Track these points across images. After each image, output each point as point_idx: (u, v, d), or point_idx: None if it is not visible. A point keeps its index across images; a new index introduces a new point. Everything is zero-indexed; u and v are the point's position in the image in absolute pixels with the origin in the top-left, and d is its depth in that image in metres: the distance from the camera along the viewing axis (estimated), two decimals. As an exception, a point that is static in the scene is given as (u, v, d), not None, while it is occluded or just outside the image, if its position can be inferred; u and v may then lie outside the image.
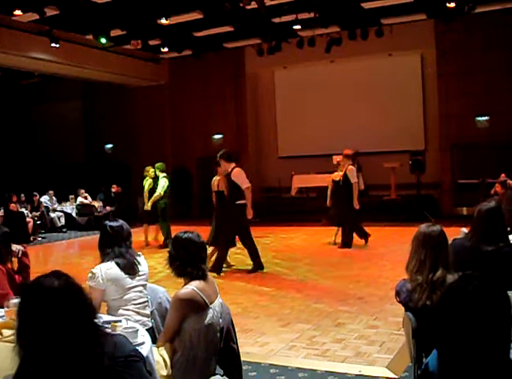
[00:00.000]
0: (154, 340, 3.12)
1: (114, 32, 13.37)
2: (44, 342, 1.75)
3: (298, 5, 12.19)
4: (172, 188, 11.51)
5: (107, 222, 3.73)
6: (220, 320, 3.02)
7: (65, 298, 1.79)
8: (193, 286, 2.94)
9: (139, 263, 3.67)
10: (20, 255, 4.24)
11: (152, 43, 14.68)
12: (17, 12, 11.59)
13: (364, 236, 10.41)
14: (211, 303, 2.97)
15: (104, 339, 1.86)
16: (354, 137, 15.20)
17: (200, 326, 2.89)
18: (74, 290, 1.83)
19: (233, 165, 8.38)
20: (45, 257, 11.80)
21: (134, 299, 3.57)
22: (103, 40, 13.70)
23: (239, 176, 8.30)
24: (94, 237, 11.56)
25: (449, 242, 3.28)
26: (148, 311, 3.64)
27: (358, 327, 5.46)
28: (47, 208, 15.41)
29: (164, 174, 11.23)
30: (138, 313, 3.56)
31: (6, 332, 2.99)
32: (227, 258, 8.72)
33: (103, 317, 3.17)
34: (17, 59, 13.87)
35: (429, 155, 14.80)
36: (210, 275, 3.18)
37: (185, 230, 3.16)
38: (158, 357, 2.92)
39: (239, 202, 8.29)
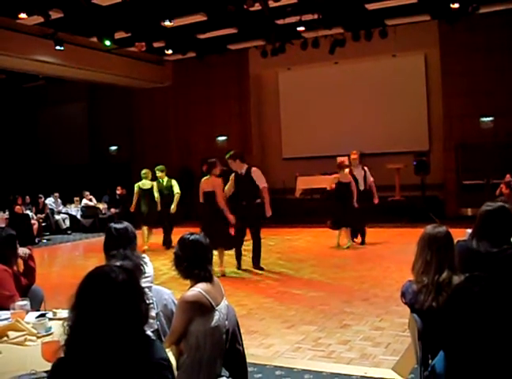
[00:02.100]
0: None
1: (119, 35, 13.41)
2: (89, 324, 1.80)
3: (301, 7, 12.19)
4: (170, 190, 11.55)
5: (112, 224, 3.73)
6: (226, 322, 3.02)
7: (121, 292, 1.85)
8: (200, 288, 2.94)
9: (145, 264, 3.67)
10: (27, 259, 4.25)
11: (156, 45, 14.70)
12: (22, 15, 11.62)
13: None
14: (217, 305, 2.97)
15: (145, 340, 1.91)
16: (358, 138, 15.18)
17: (206, 328, 2.89)
18: (131, 290, 1.89)
19: (246, 165, 8.59)
20: (50, 259, 11.83)
21: (139, 301, 3.56)
22: (108, 43, 13.72)
23: (260, 175, 8.58)
24: (99, 239, 11.59)
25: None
26: (153, 313, 3.63)
27: (363, 328, 5.45)
28: (51, 210, 15.43)
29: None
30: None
31: (12, 334, 3.00)
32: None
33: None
34: (22, 62, 13.91)
35: (433, 156, 14.76)
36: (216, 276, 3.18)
37: (190, 232, 3.16)
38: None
39: (258, 201, 8.45)
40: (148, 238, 11.41)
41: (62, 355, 1.86)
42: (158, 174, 11.39)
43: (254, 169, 8.61)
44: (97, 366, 1.79)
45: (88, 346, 1.79)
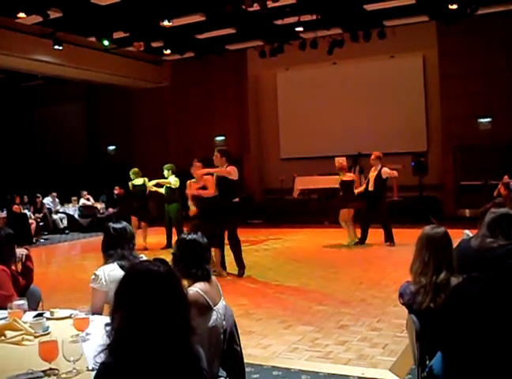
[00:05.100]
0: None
1: (117, 34, 13.41)
2: (141, 321, 1.75)
3: (300, 7, 12.19)
4: (173, 189, 11.44)
5: (110, 223, 3.73)
6: (224, 323, 3.02)
7: (167, 283, 1.82)
8: (198, 288, 2.94)
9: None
10: (24, 260, 4.24)
11: (154, 45, 14.71)
12: (21, 14, 11.61)
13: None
14: (215, 305, 2.97)
15: (195, 340, 1.88)
16: (356, 139, 15.20)
17: (203, 328, 2.88)
18: (176, 279, 1.87)
19: (227, 164, 8.22)
20: (47, 259, 11.81)
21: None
22: (106, 42, 13.72)
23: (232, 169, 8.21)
24: (96, 238, 11.58)
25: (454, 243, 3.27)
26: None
27: (361, 329, 5.46)
28: (49, 209, 15.42)
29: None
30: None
31: (9, 334, 3.00)
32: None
33: (105, 319, 3.17)
34: (20, 61, 13.90)
35: (431, 157, 14.78)
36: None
37: (188, 232, 3.16)
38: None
39: (236, 200, 8.26)
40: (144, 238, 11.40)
41: (107, 360, 1.79)
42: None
43: (230, 167, 8.19)
44: (149, 369, 1.72)
45: (141, 346, 1.73)
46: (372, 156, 10.89)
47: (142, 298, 1.76)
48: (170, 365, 1.75)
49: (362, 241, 10.80)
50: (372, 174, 10.72)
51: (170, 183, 11.10)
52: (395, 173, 10.72)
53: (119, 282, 1.86)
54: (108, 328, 1.82)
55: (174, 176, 11.21)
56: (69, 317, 3.29)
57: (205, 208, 8.22)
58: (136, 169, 11.86)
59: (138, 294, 1.77)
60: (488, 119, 13.99)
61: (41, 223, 14.58)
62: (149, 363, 1.72)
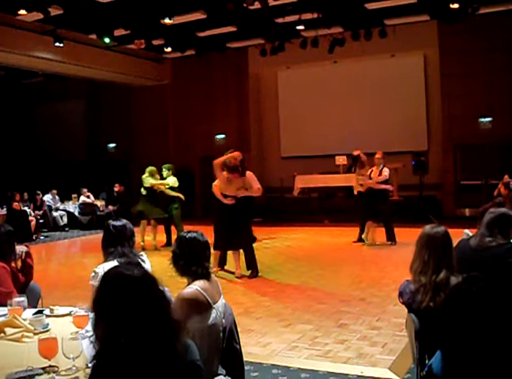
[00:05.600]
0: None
1: (118, 32, 13.39)
2: (123, 328, 1.75)
3: (301, 6, 12.18)
4: (172, 188, 11.37)
5: (111, 221, 3.73)
6: (223, 321, 3.02)
7: (144, 285, 1.81)
8: (197, 286, 2.94)
9: (143, 261, 3.66)
10: (23, 257, 4.24)
11: (155, 42, 14.70)
12: (22, 11, 11.62)
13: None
14: (214, 303, 2.97)
15: (180, 336, 1.87)
16: (356, 138, 15.18)
17: (203, 326, 2.89)
18: (152, 280, 1.86)
19: None
20: (47, 256, 11.81)
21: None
22: (107, 40, 13.72)
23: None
24: (96, 236, 11.58)
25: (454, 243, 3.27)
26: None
27: (360, 328, 5.46)
28: (49, 206, 15.42)
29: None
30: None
31: (9, 331, 3.00)
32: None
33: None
34: (21, 58, 13.90)
35: (432, 156, 14.78)
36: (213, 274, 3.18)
37: (188, 230, 3.16)
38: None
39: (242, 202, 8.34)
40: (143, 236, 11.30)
41: (97, 366, 1.80)
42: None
43: (248, 173, 8.39)
44: (140, 370, 1.73)
45: (127, 350, 1.74)
46: (377, 155, 10.82)
47: (120, 304, 1.77)
48: (161, 364, 1.76)
49: (362, 239, 10.79)
50: (374, 173, 10.67)
51: (168, 184, 11.07)
52: (383, 177, 10.60)
53: (96, 290, 1.86)
54: (93, 338, 1.82)
55: (172, 176, 11.19)
56: (69, 314, 3.30)
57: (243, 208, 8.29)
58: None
59: (116, 301, 1.78)
60: (489, 119, 13.99)
61: (41, 221, 14.59)
62: (139, 365, 1.73)
